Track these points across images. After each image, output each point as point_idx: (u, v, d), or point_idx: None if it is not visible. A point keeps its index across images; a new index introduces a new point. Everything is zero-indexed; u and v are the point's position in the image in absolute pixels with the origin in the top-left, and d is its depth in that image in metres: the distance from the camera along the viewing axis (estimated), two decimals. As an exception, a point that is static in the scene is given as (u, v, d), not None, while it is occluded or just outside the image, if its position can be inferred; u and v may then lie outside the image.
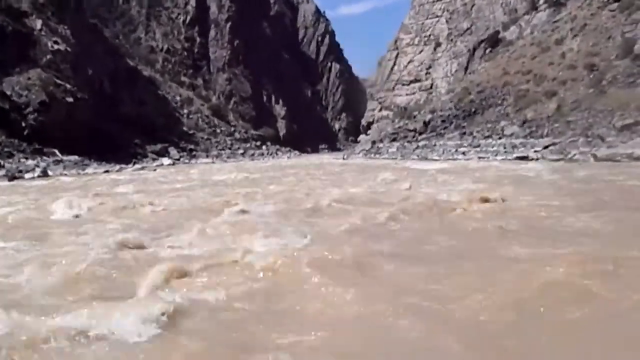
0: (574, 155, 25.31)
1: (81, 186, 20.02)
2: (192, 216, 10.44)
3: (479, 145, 37.83)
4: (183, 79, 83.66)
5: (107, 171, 32.61)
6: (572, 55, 44.77)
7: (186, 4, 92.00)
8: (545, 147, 29.00)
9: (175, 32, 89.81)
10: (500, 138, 37.40)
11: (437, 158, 38.15)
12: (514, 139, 35.54)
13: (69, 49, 48.87)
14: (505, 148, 34.20)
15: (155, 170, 36.83)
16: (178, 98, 73.37)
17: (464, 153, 37.10)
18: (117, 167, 41.30)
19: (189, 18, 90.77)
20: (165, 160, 50.16)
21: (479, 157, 33.06)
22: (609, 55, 40.53)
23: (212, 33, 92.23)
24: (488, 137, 39.19)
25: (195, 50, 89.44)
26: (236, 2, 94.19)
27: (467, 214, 9.77)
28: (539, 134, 34.06)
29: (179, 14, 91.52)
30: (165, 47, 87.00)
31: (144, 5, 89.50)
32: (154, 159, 50.80)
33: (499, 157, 31.31)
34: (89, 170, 35.26)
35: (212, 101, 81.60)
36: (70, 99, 44.22)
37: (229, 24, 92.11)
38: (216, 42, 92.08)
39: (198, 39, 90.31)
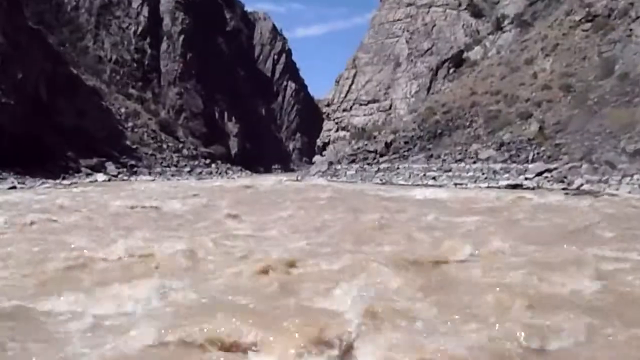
0: (581, 185, 20.50)
1: None
2: None
3: (450, 170, 33.00)
4: (131, 91, 76.98)
5: (13, 187, 26.23)
6: (545, 75, 40.84)
7: (138, 14, 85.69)
8: (539, 174, 24.19)
9: (125, 42, 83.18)
10: (474, 162, 32.64)
11: (403, 183, 33.15)
12: (491, 163, 30.81)
13: (-5, 49, 42.75)
14: (484, 173, 29.44)
15: (75, 187, 30.65)
16: (123, 110, 66.90)
17: (434, 178, 32.22)
18: (39, 182, 35.13)
19: (140, 29, 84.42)
20: (100, 176, 44.07)
21: (456, 184, 28.13)
22: (585, 75, 36.68)
23: (164, 45, 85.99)
24: (460, 160, 34.42)
25: (146, 62, 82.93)
26: (191, 15, 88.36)
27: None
28: (521, 158, 29.41)
29: (130, 24, 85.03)
30: (114, 57, 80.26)
31: (93, 13, 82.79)
32: (88, 174, 44.69)
33: (482, 185, 26.41)
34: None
35: (161, 115, 75.26)
36: (-10, 103, 38.21)
37: (182, 37, 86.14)
38: (168, 55, 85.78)
39: (149, 51, 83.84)
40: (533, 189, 22.05)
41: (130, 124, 64.21)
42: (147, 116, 71.54)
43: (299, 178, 51.45)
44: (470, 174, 30.23)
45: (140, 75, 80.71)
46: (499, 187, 23.74)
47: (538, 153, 28.18)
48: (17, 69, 45.02)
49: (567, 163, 23.84)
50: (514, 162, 29.23)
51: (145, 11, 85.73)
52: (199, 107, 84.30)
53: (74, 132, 49.36)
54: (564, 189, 20.80)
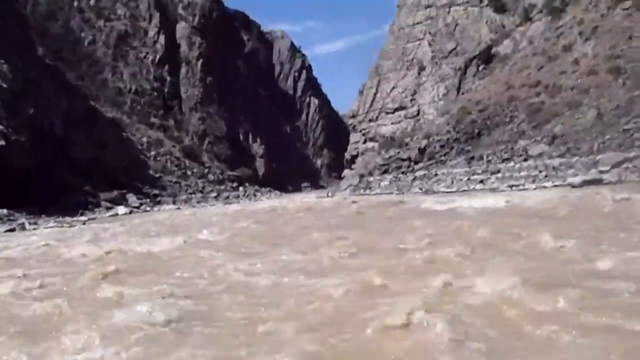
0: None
1: None
2: None
3: (498, 171, 28.99)
4: (153, 120, 74.39)
5: (11, 229, 22.90)
6: (587, 60, 36.67)
7: (155, 42, 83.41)
8: (616, 165, 20.10)
9: (144, 71, 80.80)
10: (525, 160, 28.57)
11: (446, 190, 29.22)
12: (546, 159, 26.74)
13: (4, 85, 40.37)
14: (541, 171, 25.33)
15: (83, 224, 27.41)
16: (145, 140, 64.15)
17: (482, 182, 28.24)
18: (52, 221, 32.08)
19: (158, 57, 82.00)
20: (121, 209, 40.91)
21: (511, 186, 24.12)
22: (635, 55, 32.47)
23: (183, 71, 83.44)
24: (507, 160, 30.38)
25: (166, 89, 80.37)
26: (208, 39, 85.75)
27: None
28: (583, 150, 25.29)
29: (147, 53, 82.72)
30: (134, 87, 77.88)
31: (110, 45, 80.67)
32: (108, 208, 41.59)
33: (546, 184, 22.34)
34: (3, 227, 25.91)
35: (185, 142, 72.42)
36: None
37: (200, 62, 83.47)
38: (188, 81, 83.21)
39: (168, 78, 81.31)
40: (616, 183, 18.11)
41: (152, 153, 61.42)
42: (171, 144, 68.82)
43: (330, 194, 47.80)
44: (524, 173, 26.22)
45: (161, 103, 78.19)
46: (569, 185, 19.71)
47: (603, 142, 24.07)
48: (28, 105, 42.46)
49: (647, 149, 19.82)
50: (575, 155, 25.15)
51: (161, 39, 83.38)
52: (223, 130, 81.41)
53: (93, 165, 46.54)
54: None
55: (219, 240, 13.83)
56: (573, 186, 19.06)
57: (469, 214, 15.01)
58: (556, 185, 20.65)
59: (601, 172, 20.04)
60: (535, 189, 21.48)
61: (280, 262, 9.35)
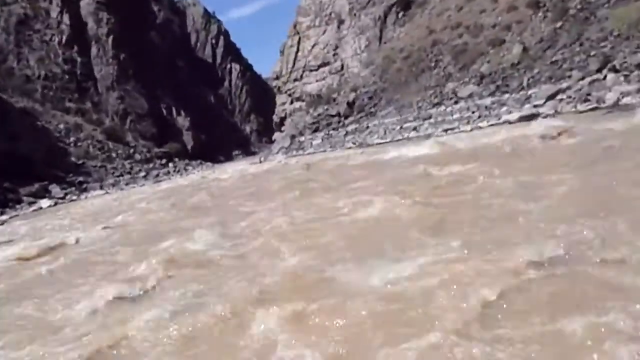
0: (618, 100, 15.79)
1: None
2: None
3: (430, 116, 28.28)
4: (68, 104, 70.17)
5: None
6: (505, -3, 36.19)
7: (59, 23, 78.24)
8: (551, 97, 19.55)
9: (51, 55, 75.76)
10: (456, 102, 27.96)
11: (380, 141, 28.43)
12: (477, 99, 26.17)
13: None
14: (474, 112, 24.73)
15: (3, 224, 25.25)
16: (62, 126, 60.53)
17: (415, 129, 27.43)
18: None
19: (64, 38, 77.04)
20: (44, 202, 38.31)
21: (446, 130, 23.42)
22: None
23: (93, 51, 78.87)
24: (437, 104, 29.73)
25: (78, 71, 75.79)
26: (115, 14, 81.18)
27: None
28: (513, 87, 24.77)
29: (52, 35, 77.56)
30: (43, 73, 72.99)
31: (10, 31, 75.12)
32: (30, 203, 38.87)
33: (481, 124, 21.67)
34: None
35: (106, 124, 68.87)
36: None
37: (110, 38, 79.13)
38: (100, 60, 78.81)
39: (79, 59, 76.63)
40: (554, 115, 17.55)
41: (72, 139, 58.06)
42: (91, 127, 65.21)
43: (262, 159, 46.44)
44: (457, 115, 25.59)
45: (74, 87, 73.75)
46: (504, 123, 19.03)
47: (532, 77, 23.60)
48: None
49: (582, 79, 19.31)
50: (506, 92, 24.65)
51: (66, 19, 78.24)
52: (144, 107, 77.98)
53: (7, 160, 43.31)
54: (594, 108, 16.23)
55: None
56: (510, 123, 18.46)
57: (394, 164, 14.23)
58: (492, 125, 20.05)
59: (536, 106, 19.54)
60: (471, 130, 20.87)
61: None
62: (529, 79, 23.48)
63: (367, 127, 35.56)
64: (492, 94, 25.46)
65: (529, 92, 22.41)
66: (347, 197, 10.08)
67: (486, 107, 24.23)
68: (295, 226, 8.43)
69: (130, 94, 77.94)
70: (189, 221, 11.84)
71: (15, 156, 45.57)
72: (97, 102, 74.68)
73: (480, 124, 21.49)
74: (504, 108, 22.40)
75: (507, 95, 23.95)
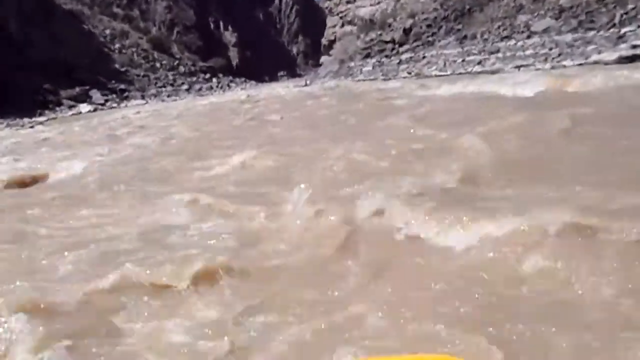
0: None
1: None
2: None
3: (497, 50, 25.42)
4: (116, 10, 68.16)
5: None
6: None
7: None
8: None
9: (103, -43, 73.32)
10: (528, 37, 24.97)
11: (439, 73, 25.80)
12: (555, 35, 23.25)
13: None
14: (552, 49, 21.87)
15: (31, 126, 23.88)
16: (108, 32, 58.72)
17: (480, 63, 24.70)
18: (5, 123, 28.82)
19: (117, -60, 74.17)
20: (84, 107, 37.30)
21: (518, 67, 20.77)
22: None
23: (145, -44, 75.94)
24: (507, 37, 26.72)
25: (128, -24, 73.35)
26: None
27: None
28: (600, 23, 21.74)
29: (106, -63, 74.74)
30: (92, -25, 70.87)
31: None
32: (70, 107, 37.82)
33: (566, 62, 18.94)
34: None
35: (152, 33, 66.82)
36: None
37: (161, -56, 75.77)
38: (151, -34, 75.99)
39: (130, -36, 74.04)
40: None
41: (117, 46, 56.39)
42: (137, 35, 63.33)
43: (308, 82, 44.09)
44: (531, 51, 22.81)
45: (123, -8, 71.55)
46: (595, 64, 16.31)
47: (626, 13, 20.57)
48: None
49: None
50: (592, 29, 21.66)
51: None
52: (192, 19, 75.53)
53: (51, 62, 41.94)
54: None
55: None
56: (606, 64, 15.81)
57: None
58: (580, 65, 17.35)
59: (634, 46, 16.75)
60: (552, 68, 18.21)
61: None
62: (622, 15, 20.47)
63: (424, 57, 32.82)
64: (573, 30, 22.49)
65: (622, 30, 19.49)
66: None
67: (566, 44, 21.38)
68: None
69: (178, 4, 75.49)
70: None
71: (58, 58, 44.21)
72: (144, 10, 72.54)
73: (565, 63, 18.78)
74: (591, 47, 19.59)
75: (592, 33, 21.03)
